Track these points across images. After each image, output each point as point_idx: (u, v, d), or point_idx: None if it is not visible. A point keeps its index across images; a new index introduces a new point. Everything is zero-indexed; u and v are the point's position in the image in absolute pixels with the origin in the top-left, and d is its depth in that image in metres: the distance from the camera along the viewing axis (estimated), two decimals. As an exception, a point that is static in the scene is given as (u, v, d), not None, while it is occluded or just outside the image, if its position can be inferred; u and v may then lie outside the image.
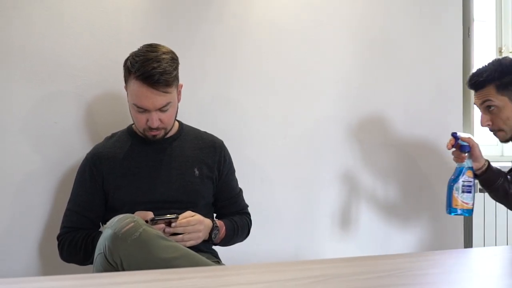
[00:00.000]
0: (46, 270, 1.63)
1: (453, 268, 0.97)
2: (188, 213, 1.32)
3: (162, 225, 1.25)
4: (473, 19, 2.13)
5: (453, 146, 1.50)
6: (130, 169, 1.42)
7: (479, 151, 1.51)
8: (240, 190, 1.61)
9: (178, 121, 1.53)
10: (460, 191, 1.46)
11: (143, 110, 1.35)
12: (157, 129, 1.39)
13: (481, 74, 1.49)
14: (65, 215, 1.45)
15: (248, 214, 1.61)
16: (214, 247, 1.50)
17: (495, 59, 1.53)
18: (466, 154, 1.48)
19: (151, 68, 1.30)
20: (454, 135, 1.50)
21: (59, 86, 1.65)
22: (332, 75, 1.96)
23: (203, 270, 1.00)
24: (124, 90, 1.42)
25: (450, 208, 1.48)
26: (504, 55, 2.19)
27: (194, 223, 1.30)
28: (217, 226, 1.41)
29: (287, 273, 0.93)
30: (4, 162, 1.59)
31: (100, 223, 1.47)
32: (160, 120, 1.37)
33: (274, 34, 1.87)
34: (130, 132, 1.50)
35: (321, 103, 1.95)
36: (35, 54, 1.62)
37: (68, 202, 1.46)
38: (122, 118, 1.62)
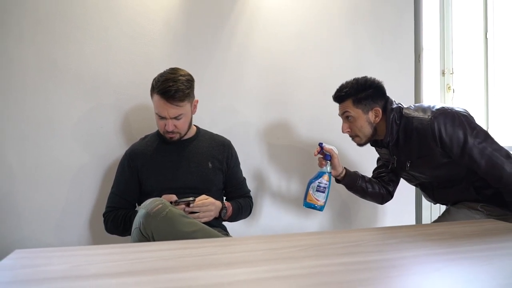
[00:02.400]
0: (95, 240, 1.64)
1: (404, 239, 0.98)
2: (203, 196, 1.33)
3: (183, 206, 1.26)
4: (423, 47, 2.13)
5: (319, 153, 1.42)
6: (158, 163, 1.43)
7: (338, 161, 1.43)
8: (244, 178, 1.61)
9: (195, 125, 1.54)
10: (315, 190, 1.38)
11: (162, 117, 1.37)
12: (173, 132, 1.40)
13: (341, 90, 1.39)
14: (109, 198, 1.45)
15: (251, 198, 1.61)
16: (223, 223, 1.50)
17: (354, 78, 1.41)
18: (328, 162, 1.41)
19: (168, 86, 1.31)
20: (320, 145, 1.42)
21: (104, 100, 1.66)
22: (312, 88, 1.97)
23: (215, 240, 1.01)
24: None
25: (305, 201, 1.40)
26: (446, 76, 2.19)
27: (207, 204, 1.31)
28: (226, 207, 1.41)
29: (280, 243, 0.94)
30: (62, 158, 1.61)
31: (136, 204, 1.48)
32: (175, 125, 1.38)
33: (269, 59, 1.88)
34: (158, 134, 1.51)
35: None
36: (86, 76, 1.63)
37: (111, 188, 1.47)
38: (152, 124, 1.62)
